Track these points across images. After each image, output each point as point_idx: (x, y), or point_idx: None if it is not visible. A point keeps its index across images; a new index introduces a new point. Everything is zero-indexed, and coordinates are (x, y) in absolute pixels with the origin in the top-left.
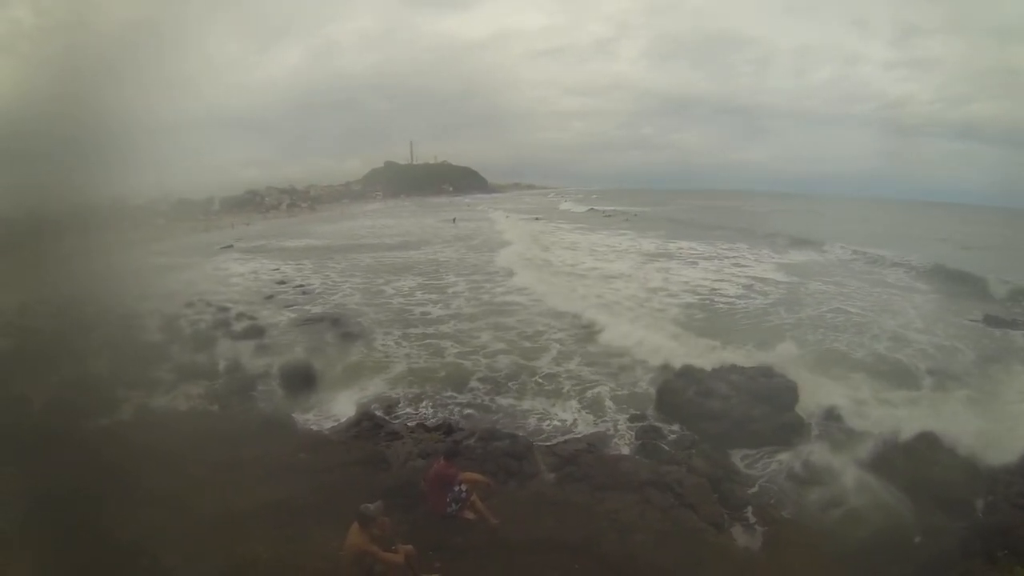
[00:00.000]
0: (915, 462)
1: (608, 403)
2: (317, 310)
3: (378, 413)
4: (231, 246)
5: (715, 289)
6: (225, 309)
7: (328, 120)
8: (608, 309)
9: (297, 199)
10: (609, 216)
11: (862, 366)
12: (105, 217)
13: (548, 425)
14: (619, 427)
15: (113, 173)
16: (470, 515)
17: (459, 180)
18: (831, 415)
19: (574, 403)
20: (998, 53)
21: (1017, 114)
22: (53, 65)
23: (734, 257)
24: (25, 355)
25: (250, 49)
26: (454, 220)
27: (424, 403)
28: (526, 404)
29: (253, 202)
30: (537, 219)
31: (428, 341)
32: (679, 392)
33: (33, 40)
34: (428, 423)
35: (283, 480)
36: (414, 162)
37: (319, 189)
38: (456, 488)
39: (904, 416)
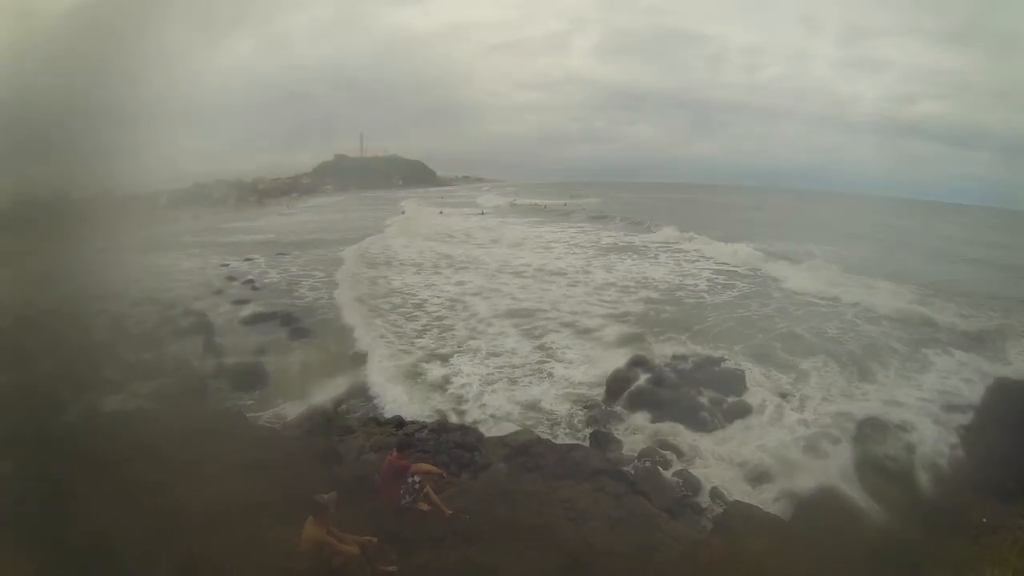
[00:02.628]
0: (859, 442)
1: (558, 392)
2: (267, 306)
3: (329, 408)
4: (179, 241)
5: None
6: (172, 306)
7: (279, 112)
8: None
9: (245, 193)
10: (515, 206)
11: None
12: (48, 213)
13: (495, 415)
14: (573, 417)
15: (57, 167)
16: (424, 507)
17: (409, 174)
18: (778, 399)
19: (524, 392)
20: (944, 55)
21: (960, 113)
22: None
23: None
24: None
25: (201, 39)
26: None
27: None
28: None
29: (201, 196)
30: (441, 212)
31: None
32: (629, 380)
33: None
34: (379, 417)
35: (237, 477)
36: (364, 155)
37: (268, 182)
38: (410, 480)
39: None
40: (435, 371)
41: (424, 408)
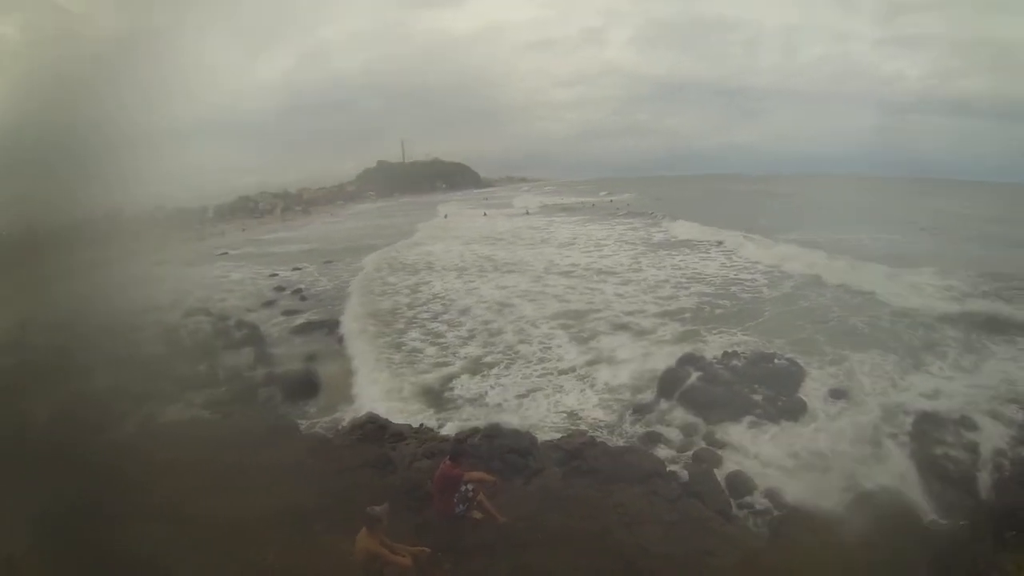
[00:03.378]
0: (921, 440)
1: (609, 395)
2: (316, 315)
3: (381, 415)
4: (226, 253)
5: None
6: (224, 318)
7: (321, 122)
8: None
9: (291, 203)
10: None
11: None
12: (102, 229)
13: (550, 419)
14: (624, 418)
15: (107, 185)
16: (477, 515)
17: (452, 176)
18: (836, 396)
19: (575, 396)
20: (987, 27)
21: (1007, 88)
22: (42, 79)
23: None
24: (27, 371)
25: (243, 54)
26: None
27: (427, 402)
28: (526, 397)
29: (247, 208)
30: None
31: (428, 340)
32: (682, 380)
33: (19, 55)
34: (431, 423)
35: (290, 486)
36: (406, 160)
37: (312, 192)
38: (463, 488)
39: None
40: (479, 376)
41: (472, 414)
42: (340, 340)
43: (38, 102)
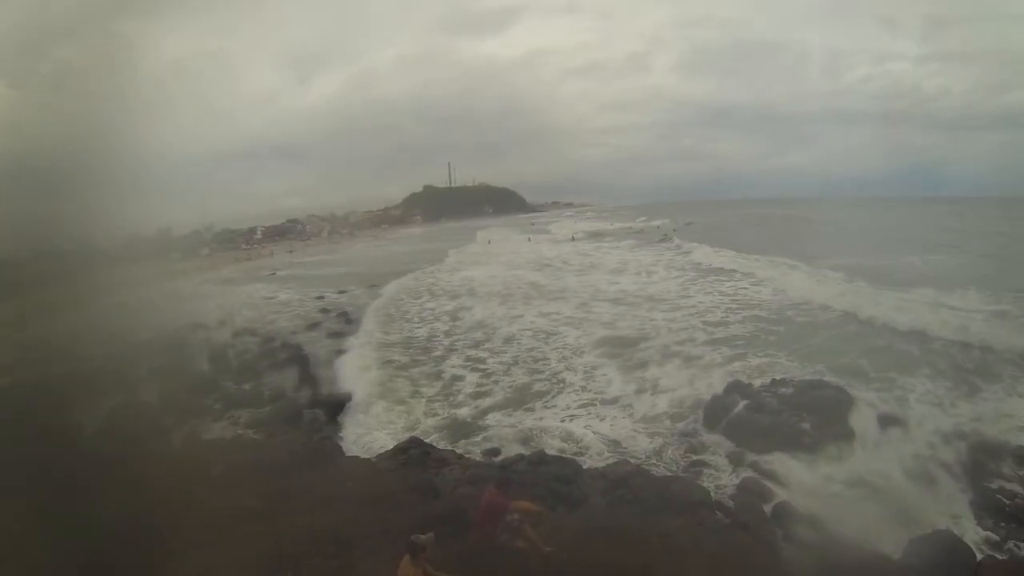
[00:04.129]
0: (975, 471)
1: (654, 423)
2: (361, 337)
3: (425, 440)
4: (274, 274)
5: None
6: (271, 339)
7: (368, 147)
8: None
9: (337, 226)
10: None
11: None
12: (152, 248)
13: (594, 449)
14: (669, 446)
15: (159, 205)
16: (521, 544)
17: (498, 201)
18: (886, 422)
19: (620, 424)
20: None
21: None
22: (101, 102)
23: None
24: (76, 382)
25: (292, 80)
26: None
27: (469, 428)
28: (571, 423)
29: (294, 230)
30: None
31: (471, 366)
32: (728, 408)
33: (80, 78)
34: (476, 448)
35: (332, 509)
36: (453, 185)
37: (359, 215)
38: (508, 517)
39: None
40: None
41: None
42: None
43: (96, 124)
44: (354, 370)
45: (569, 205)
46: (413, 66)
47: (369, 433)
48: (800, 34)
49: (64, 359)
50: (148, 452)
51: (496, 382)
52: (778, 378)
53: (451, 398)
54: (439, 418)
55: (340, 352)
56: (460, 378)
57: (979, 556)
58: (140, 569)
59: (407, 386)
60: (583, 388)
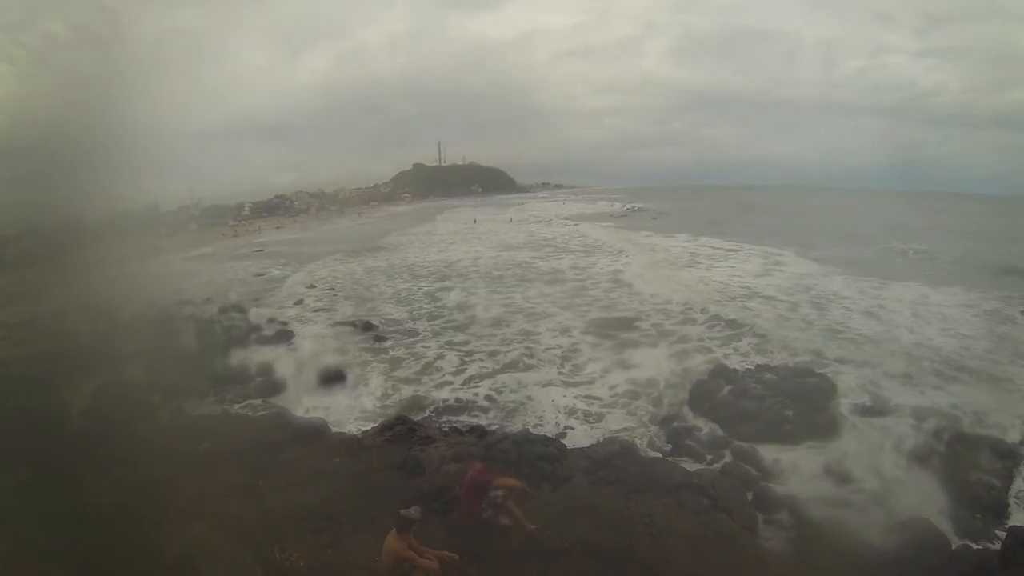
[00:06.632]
0: (954, 462)
1: (639, 404)
2: (347, 312)
3: (411, 416)
4: (261, 250)
5: None
6: (257, 314)
7: (358, 124)
8: None
9: (326, 203)
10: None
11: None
12: (139, 223)
13: (578, 428)
14: (651, 428)
15: (147, 181)
16: (506, 521)
17: (487, 181)
18: (868, 412)
19: (604, 403)
20: None
21: None
22: (88, 77)
23: None
24: (63, 360)
25: (281, 56)
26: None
27: (455, 404)
28: (557, 401)
29: (283, 207)
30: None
31: (456, 342)
32: (712, 392)
33: (67, 53)
34: (461, 426)
35: (319, 485)
36: (442, 163)
37: (348, 192)
38: (492, 494)
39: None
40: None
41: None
42: (374, 339)
43: (83, 99)
44: (338, 346)
45: (559, 187)
46: (405, 43)
47: (355, 409)
48: (796, 24)
49: (50, 337)
50: (135, 429)
51: (478, 360)
52: (762, 363)
53: (434, 375)
54: (422, 394)
55: (325, 327)
56: (441, 356)
57: (954, 545)
58: (127, 545)
59: (389, 363)
60: (564, 366)
